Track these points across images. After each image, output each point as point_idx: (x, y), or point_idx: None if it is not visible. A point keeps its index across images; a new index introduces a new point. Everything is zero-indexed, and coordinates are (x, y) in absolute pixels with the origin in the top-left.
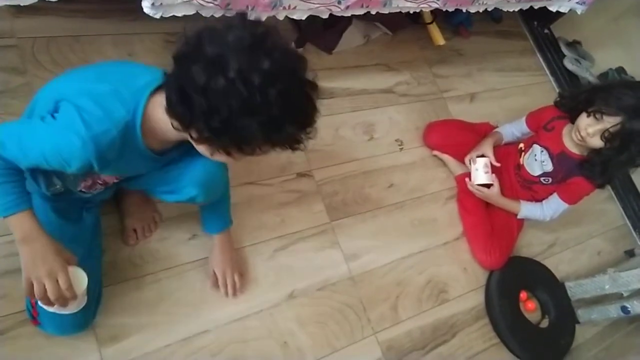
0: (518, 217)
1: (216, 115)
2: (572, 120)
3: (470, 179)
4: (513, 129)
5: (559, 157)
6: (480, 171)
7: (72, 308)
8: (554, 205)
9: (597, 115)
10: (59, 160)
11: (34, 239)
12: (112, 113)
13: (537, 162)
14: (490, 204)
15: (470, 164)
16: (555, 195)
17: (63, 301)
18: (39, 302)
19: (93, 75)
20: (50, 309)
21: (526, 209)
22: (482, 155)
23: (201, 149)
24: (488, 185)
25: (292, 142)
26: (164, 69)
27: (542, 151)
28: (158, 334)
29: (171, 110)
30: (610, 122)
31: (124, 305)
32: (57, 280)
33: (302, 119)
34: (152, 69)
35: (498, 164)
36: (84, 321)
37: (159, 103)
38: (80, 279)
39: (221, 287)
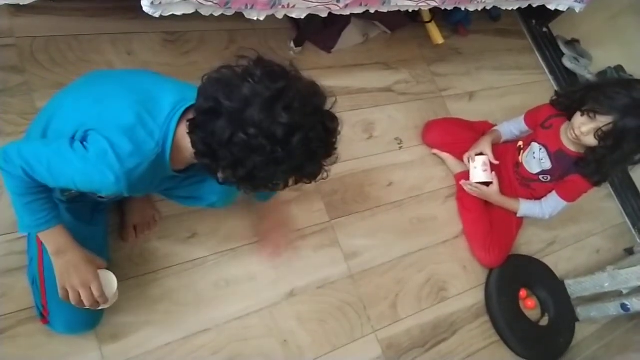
0: (517, 215)
1: (241, 167)
2: (569, 118)
3: (468, 178)
4: (511, 127)
5: (557, 154)
6: (479, 169)
7: (105, 306)
8: (552, 203)
9: (591, 115)
10: (89, 189)
11: (66, 251)
12: (143, 146)
13: (535, 160)
14: (490, 202)
15: (468, 162)
16: (554, 193)
17: (97, 305)
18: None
19: (117, 99)
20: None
21: (525, 207)
22: (481, 154)
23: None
24: (487, 184)
25: (314, 176)
26: (186, 84)
27: (540, 149)
28: (158, 333)
29: (199, 156)
30: (603, 121)
31: (124, 304)
32: (90, 288)
33: (324, 156)
34: (175, 86)
35: (497, 162)
36: (93, 320)
37: (186, 132)
38: (111, 281)
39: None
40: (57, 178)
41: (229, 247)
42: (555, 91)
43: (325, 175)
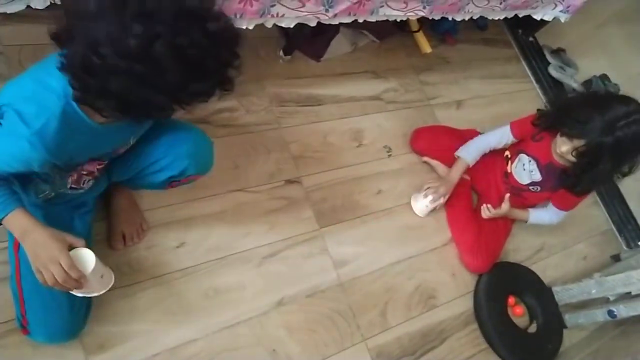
0: (528, 223)
1: (109, 95)
2: (555, 134)
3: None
4: (497, 137)
5: (548, 167)
6: (428, 207)
7: (99, 288)
8: (555, 213)
9: (567, 136)
10: (20, 163)
11: (30, 231)
12: (46, 103)
13: (525, 171)
14: (478, 208)
15: (425, 191)
16: (551, 205)
17: (72, 282)
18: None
19: (25, 75)
20: (78, 294)
21: (534, 216)
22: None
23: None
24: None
25: (209, 94)
26: None
27: (530, 161)
28: (146, 343)
29: (76, 99)
30: (578, 142)
31: (111, 313)
32: (60, 264)
33: (207, 69)
34: None
35: (443, 201)
36: (73, 329)
37: None
38: (87, 258)
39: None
40: None
41: (217, 256)
42: (537, 110)
43: (230, 87)
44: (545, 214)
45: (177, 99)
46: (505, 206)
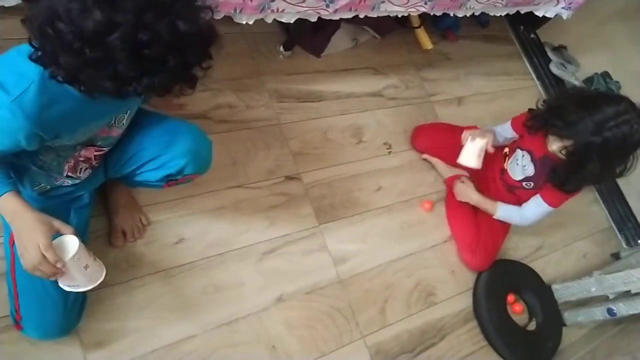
0: (494, 217)
1: (59, 65)
2: (547, 133)
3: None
4: (497, 135)
5: (542, 159)
6: (473, 152)
7: (85, 282)
8: (533, 207)
9: (557, 135)
10: (6, 137)
11: (19, 215)
12: (24, 71)
13: (518, 166)
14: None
15: (467, 140)
16: (537, 196)
17: (49, 267)
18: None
19: (9, 50)
20: (64, 287)
21: (503, 210)
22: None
23: None
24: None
25: (165, 89)
26: None
27: (523, 155)
28: (144, 339)
29: (31, 57)
30: (568, 141)
31: (109, 309)
32: (39, 247)
33: (168, 66)
34: None
35: (492, 150)
36: (67, 325)
37: None
38: (70, 244)
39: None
40: None
41: (216, 252)
42: (529, 109)
43: (192, 85)
44: (515, 212)
45: (127, 88)
46: (470, 186)
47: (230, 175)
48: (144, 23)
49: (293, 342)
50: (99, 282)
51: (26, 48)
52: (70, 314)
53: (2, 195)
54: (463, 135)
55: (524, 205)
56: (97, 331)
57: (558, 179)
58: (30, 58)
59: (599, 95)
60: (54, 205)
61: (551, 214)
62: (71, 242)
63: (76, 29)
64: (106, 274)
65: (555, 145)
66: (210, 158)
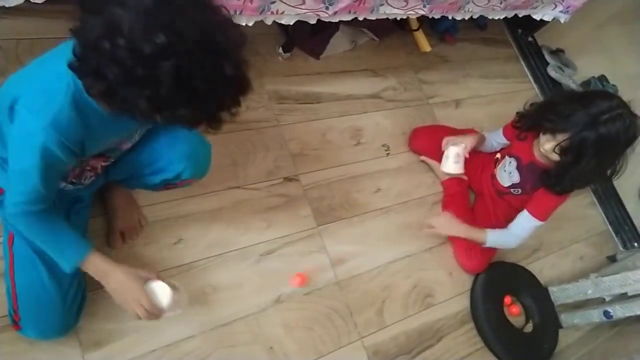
0: (486, 245)
1: (102, 78)
2: (538, 134)
3: (456, 186)
4: (492, 140)
5: (529, 166)
6: (450, 159)
7: (176, 311)
8: (522, 222)
9: (550, 133)
10: (50, 163)
11: (109, 272)
12: (55, 93)
13: (505, 172)
14: (475, 208)
15: (444, 146)
16: (524, 211)
17: (156, 318)
18: None
19: (33, 63)
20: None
21: (492, 236)
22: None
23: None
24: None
25: (194, 123)
26: None
27: (510, 162)
28: (143, 339)
29: (71, 67)
30: (561, 137)
31: (108, 310)
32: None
33: (203, 103)
34: None
35: (467, 156)
36: (65, 325)
37: None
38: (162, 292)
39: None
40: (30, 181)
41: (215, 253)
42: (517, 113)
43: (216, 126)
44: (505, 233)
45: (161, 113)
46: (442, 218)
47: (229, 176)
48: (199, 57)
49: (291, 343)
50: (185, 304)
51: (51, 61)
52: (69, 314)
53: (88, 255)
54: (442, 143)
55: (511, 224)
56: (96, 331)
57: (551, 180)
58: (70, 66)
59: (591, 92)
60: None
61: (540, 228)
62: (163, 290)
63: (135, 47)
64: None
65: (548, 145)
66: (209, 163)
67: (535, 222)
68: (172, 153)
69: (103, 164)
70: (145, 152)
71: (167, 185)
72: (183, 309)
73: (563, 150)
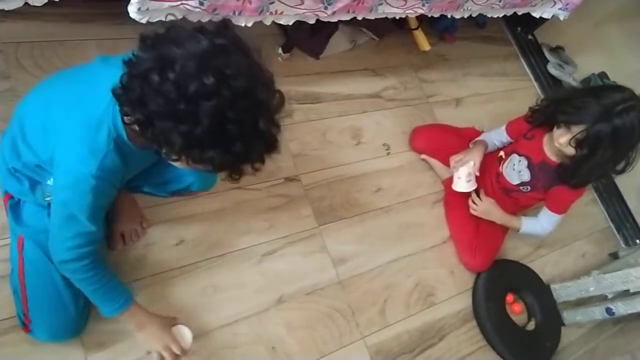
0: (519, 233)
1: (143, 106)
2: (550, 129)
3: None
4: (493, 138)
5: (540, 165)
6: (462, 179)
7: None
8: (547, 218)
9: (565, 126)
10: (100, 202)
11: (145, 324)
12: (99, 142)
13: (514, 171)
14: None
15: (453, 167)
16: (544, 209)
17: (179, 358)
18: None
19: (64, 100)
20: None
21: (526, 225)
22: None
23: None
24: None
25: (217, 167)
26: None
27: (520, 161)
28: None
29: (114, 92)
30: (576, 130)
31: None
32: (171, 349)
33: (232, 150)
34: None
35: (477, 173)
36: (77, 328)
37: None
38: (186, 335)
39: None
40: (81, 222)
41: (217, 253)
42: (530, 108)
43: (236, 177)
44: (536, 223)
45: (190, 152)
46: (494, 206)
47: None
48: (239, 105)
49: (293, 343)
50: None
51: (81, 104)
52: (81, 316)
53: (129, 306)
54: (450, 164)
55: (539, 217)
56: (99, 332)
57: (566, 175)
58: (113, 92)
59: (602, 85)
60: None
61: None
62: (184, 332)
63: (182, 83)
64: None
65: (563, 138)
66: (217, 176)
67: (557, 216)
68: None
69: None
70: (157, 165)
71: (174, 194)
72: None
73: (579, 143)
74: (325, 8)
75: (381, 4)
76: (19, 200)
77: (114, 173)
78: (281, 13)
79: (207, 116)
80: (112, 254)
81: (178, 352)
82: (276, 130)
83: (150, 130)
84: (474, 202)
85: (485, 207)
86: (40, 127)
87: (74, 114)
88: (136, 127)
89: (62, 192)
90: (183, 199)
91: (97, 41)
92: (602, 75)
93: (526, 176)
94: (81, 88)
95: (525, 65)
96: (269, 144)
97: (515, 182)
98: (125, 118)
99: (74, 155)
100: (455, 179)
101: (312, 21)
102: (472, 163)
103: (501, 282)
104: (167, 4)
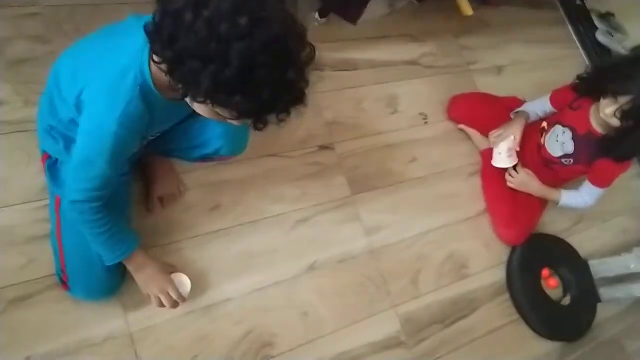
0: (559, 205)
1: (173, 44)
2: (597, 99)
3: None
4: (536, 108)
5: (586, 136)
6: (503, 155)
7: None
8: (589, 191)
9: (612, 96)
10: (120, 150)
11: (144, 267)
12: (123, 87)
13: (558, 143)
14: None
15: (493, 143)
16: (587, 182)
17: (177, 305)
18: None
19: (95, 48)
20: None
21: (567, 197)
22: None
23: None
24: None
25: (244, 115)
26: None
27: (564, 132)
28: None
29: (145, 29)
30: (623, 101)
31: None
32: (168, 292)
33: (259, 97)
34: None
35: (518, 149)
36: (111, 286)
37: None
38: (185, 282)
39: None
40: (99, 165)
41: (250, 219)
42: (577, 76)
43: (260, 126)
44: (577, 195)
45: (217, 95)
46: (534, 178)
47: (264, 144)
48: (271, 51)
49: (324, 309)
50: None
51: (113, 52)
52: (115, 275)
53: (134, 250)
54: (490, 139)
55: (580, 189)
56: (136, 292)
57: (609, 146)
58: (145, 29)
59: None
60: None
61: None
62: (183, 280)
63: (216, 22)
64: (146, 237)
65: (609, 109)
66: (247, 141)
67: (600, 190)
68: (212, 130)
69: (151, 138)
70: (186, 128)
71: (204, 159)
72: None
73: (625, 114)
74: None
75: None
76: (56, 160)
77: (138, 121)
78: None
79: (237, 58)
80: (151, 216)
81: (175, 297)
82: (304, 83)
83: (178, 70)
84: (510, 175)
85: (522, 179)
86: (71, 75)
87: (102, 62)
88: (164, 68)
89: (84, 136)
90: (214, 164)
91: (134, 5)
92: None
93: (570, 148)
94: (112, 39)
95: (573, 33)
96: (296, 95)
97: (558, 154)
98: (154, 57)
99: (99, 100)
100: (495, 155)
101: None
102: (512, 137)
103: (538, 257)
104: None
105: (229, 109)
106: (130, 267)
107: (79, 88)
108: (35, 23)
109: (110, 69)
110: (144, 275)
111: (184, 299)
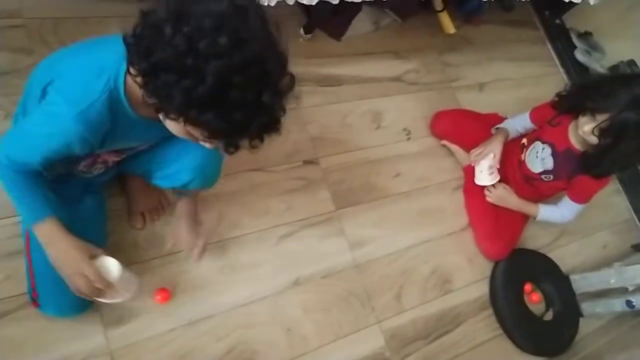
0: (537, 219)
1: (150, 56)
2: (577, 116)
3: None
4: (516, 125)
5: (565, 153)
6: (484, 172)
7: (124, 295)
8: (568, 207)
9: (591, 113)
10: (61, 146)
11: (56, 241)
12: (93, 86)
13: (538, 159)
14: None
15: (473, 162)
16: (566, 198)
17: (99, 292)
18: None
19: (76, 50)
20: (105, 301)
21: (545, 212)
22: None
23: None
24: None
25: (215, 135)
26: None
27: (543, 148)
28: (163, 318)
29: (124, 39)
30: (601, 119)
31: None
32: (85, 275)
33: (231, 117)
34: None
35: (498, 166)
36: (82, 303)
37: None
38: (111, 267)
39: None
40: (34, 152)
41: (234, 234)
42: (556, 94)
43: (232, 150)
44: (556, 210)
45: (188, 112)
46: (511, 193)
47: (248, 158)
48: (246, 71)
49: (308, 325)
50: (135, 289)
51: (95, 55)
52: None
53: (42, 219)
54: (471, 157)
55: (559, 205)
56: (117, 308)
57: (588, 163)
58: (124, 39)
59: (632, 74)
60: (65, 189)
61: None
62: (111, 264)
63: (195, 38)
64: (126, 253)
65: (587, 126)
66: (218, 174)
67: (579, 205)
68: (182, 162)
69: (115, 159)
70: (157, 155)
71: (174, 191)
72: (132, 294)
73: (602, 132)
74: None
75: None
76: None
77: (96, 126)
78: None
79: (212, 75)
80: (132, 231)
81: (93, 279)
82: (280, 110)
83: (152, 82)
84: (488, 190)
85: (499, 194)
86: (45, 71)
87: (81, 58)
88: (139, 81)
89: (40, 115)
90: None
91: (120, 18)
92: (631, 63)
93: (550, 164)
94: (97, 44)
95: (552, 51)
96: (269, 121)
97: (538, 170)
98: (130, 69)
99: (68, 90)
100: (477, 173)
101: (335, 1)
102: (492, 155)
103: (520, 271)
104: None
105: (200, 128)
106: (41, 240)
107: (48, 79)
108: (18, 34)
109: (88, 65)
110: (55, 251)
111: (107, 284)
